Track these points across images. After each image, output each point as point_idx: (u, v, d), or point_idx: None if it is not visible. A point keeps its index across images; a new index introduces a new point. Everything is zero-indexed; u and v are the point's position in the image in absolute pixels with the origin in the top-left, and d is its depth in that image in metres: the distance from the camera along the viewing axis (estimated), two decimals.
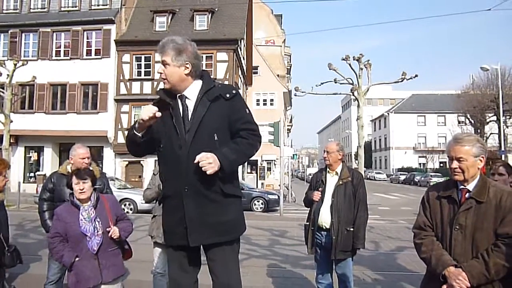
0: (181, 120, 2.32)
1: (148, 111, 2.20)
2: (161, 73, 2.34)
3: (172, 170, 2.33)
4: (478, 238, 2.14)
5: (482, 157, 2.22)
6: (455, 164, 2.20)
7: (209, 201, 2.29)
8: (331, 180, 3.89)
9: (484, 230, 2.13)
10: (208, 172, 2.15)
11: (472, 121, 32.63)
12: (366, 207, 3.89)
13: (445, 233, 2.24)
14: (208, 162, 2.15)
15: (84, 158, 3.84)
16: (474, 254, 2.14)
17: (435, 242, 2.26)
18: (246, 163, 29.56)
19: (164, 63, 2.32)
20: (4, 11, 23.60)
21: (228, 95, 2.34)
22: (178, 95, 2.36)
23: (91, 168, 3.49)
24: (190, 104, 2.35)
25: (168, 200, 2.39)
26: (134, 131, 2.29)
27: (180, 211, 2.29)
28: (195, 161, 2.16)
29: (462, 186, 2.24)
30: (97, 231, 2.95)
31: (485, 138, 31.42)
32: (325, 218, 3.79)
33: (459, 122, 37.83)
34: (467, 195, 2.21)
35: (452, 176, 2.25)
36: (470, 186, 2.22)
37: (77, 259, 2.93)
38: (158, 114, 2.20)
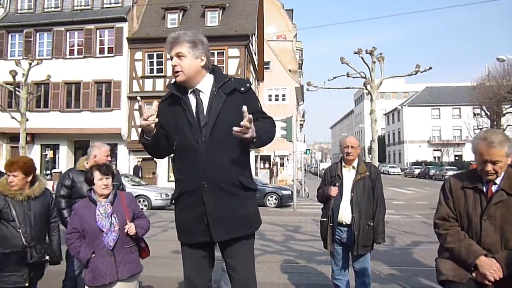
0: (195, 114, 2.27)
1: (146, 113, 2.16)
2: (175, 65, 2.25)
3: (189, 165, 2.27)
4: (507, 230, 2.17)
5: (511, 153, 2.23)
6: (489, 166, 2.18)
7: (228, 195, 2.25)
8: (348, 175, 3.82)
9: None
10: (246, 136, 2.08)
11: (488, 113, 31.93)
12: (384, 201, 3.87)
13: (472, 224, 2.25)
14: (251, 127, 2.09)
15: (108, 155, 3.96)
16: (503, 245, 2.18)
17: (461, 233, 2.28)
18: (259, 159, 29.59)
19: (179, 55, 2.25)
20: (19, 11, 23.96)
21: (243, 89, 2.32)
22: (191, 90, 2.31)
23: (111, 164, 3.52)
24: (205, 98, 2.30)
25: (185, 197, 2.31)
26: (144, 136, 2.26)
27: (200, 207, 2.24)
28: (234, 131, 2.06)
29: None
30: (114, 227, 2.93)
31: (502, 130, 30.86)
32: (345, 213, 3.74)
33: (474, 115, 37.17)
34: (494, 187, 2.23)
35: (485, 177, 2.24)
36: (497, 179, 2.24)
37: (93, 255, 2.92)
38: (152, 118, 2.17)
